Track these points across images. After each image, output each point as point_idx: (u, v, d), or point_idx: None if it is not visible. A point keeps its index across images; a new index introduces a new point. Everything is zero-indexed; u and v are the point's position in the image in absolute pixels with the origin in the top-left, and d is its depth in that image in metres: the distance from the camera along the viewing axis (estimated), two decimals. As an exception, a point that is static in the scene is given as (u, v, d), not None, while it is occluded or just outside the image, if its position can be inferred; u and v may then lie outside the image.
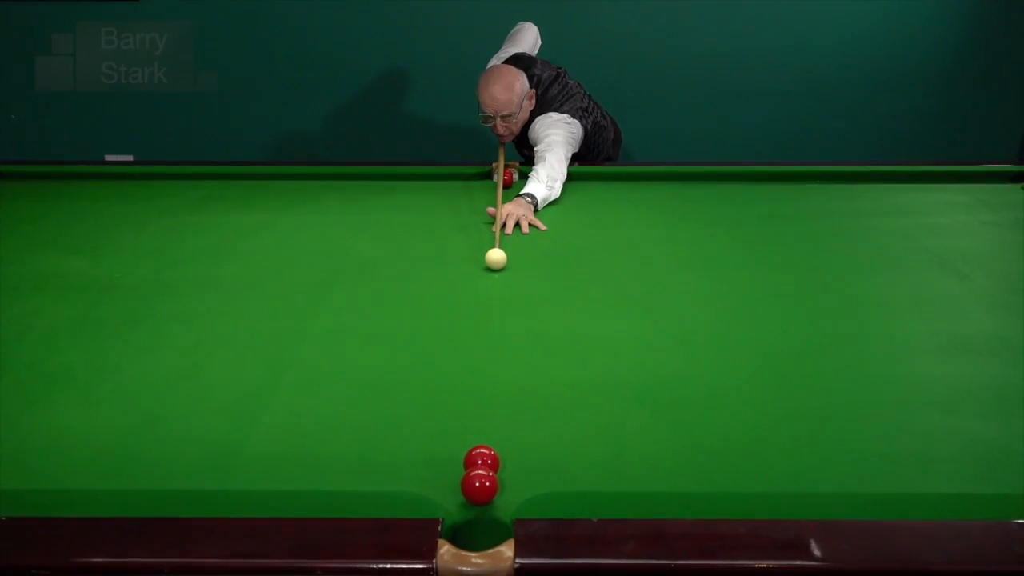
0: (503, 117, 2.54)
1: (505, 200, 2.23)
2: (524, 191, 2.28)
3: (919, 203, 2.36)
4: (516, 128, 2.61)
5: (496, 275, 1.84)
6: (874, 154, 3.93)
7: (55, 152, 3.92)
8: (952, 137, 4.03)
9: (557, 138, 2.51)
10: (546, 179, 2.34)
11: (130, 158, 3.97)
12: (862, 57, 3.89)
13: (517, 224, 2.15)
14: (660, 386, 1.35)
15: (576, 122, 2.62)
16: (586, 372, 1.40)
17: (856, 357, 1.47)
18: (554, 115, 2.60)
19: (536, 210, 2.25)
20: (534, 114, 2.62)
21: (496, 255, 1.83)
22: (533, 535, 0.93)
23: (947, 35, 3.86)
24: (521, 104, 2.55)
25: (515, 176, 2.55)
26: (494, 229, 2.08)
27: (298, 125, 4.06)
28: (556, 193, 2.37)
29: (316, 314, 1.64)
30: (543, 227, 2.17)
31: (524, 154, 2.80)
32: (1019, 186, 2.50)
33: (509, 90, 2.52)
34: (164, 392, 1.35)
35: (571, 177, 2.50)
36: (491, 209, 2.21)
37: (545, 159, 2.42)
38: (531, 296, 1.74)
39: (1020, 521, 0.97)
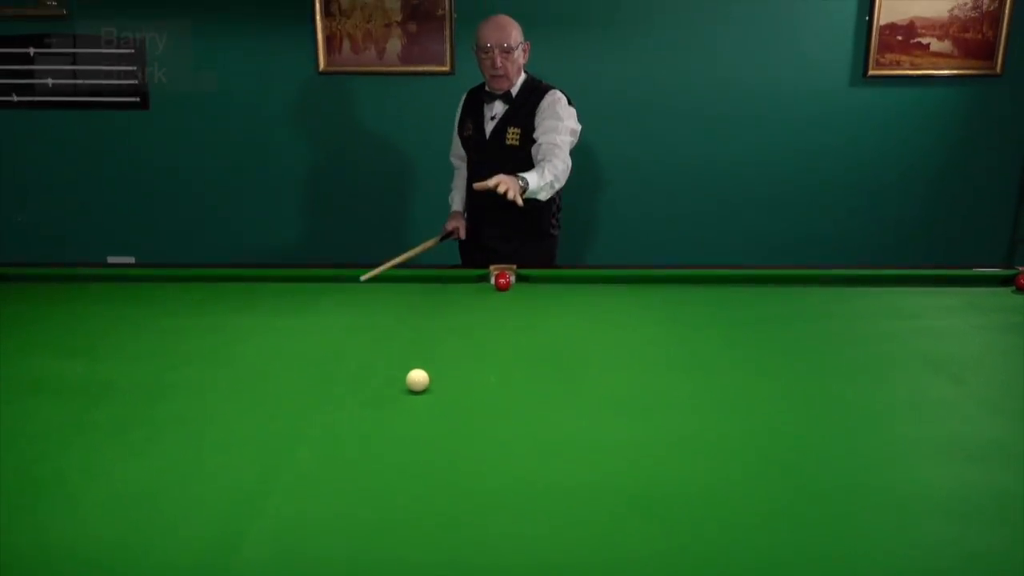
0: (502, 49, 2.70)
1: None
2: (523, 175, 2.53)
3: (912, 306, 2.39)
4: (512, 72, 2.75)
5: (491, 377, 1.84)
6: (865, 258, 4.00)
7: (58, 254, 3.98)
8: (942, 241, 4.11)
9: (563, 136, 2.73)
10: (548, 178, 2.62)
11: (132, 260, 4.03)
12: (854, 163, 4.02)
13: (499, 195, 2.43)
14: (655, 490, 1.33)
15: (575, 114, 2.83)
16: (582, 475, 1.38)
17: (854, 462, 1.45)
18: (564, 98, 2.79)
19: (522, 194, 2.52)
20: (537, 86, 2.80)
21: (418, 376, 1.74)
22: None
23: (936, 143, 3.99)
24: (519, 44, 2.74)
25: (512, 279, 2.58)
26: (476, 186, 2.49)
27: (298, 228, 4.13)
28: (545, 195, 2.65)
29: (311, 417, 1.63)
30: (520, 203, 2.48)
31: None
32: (1010, 289, 2.54)
33: (510, 25, 2.76)
34: (156, 498, 1.32)
35: (567, 280, 2.53)
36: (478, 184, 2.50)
37: (551, 161, 2.65)
38: (526, 398, 1.73)
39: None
